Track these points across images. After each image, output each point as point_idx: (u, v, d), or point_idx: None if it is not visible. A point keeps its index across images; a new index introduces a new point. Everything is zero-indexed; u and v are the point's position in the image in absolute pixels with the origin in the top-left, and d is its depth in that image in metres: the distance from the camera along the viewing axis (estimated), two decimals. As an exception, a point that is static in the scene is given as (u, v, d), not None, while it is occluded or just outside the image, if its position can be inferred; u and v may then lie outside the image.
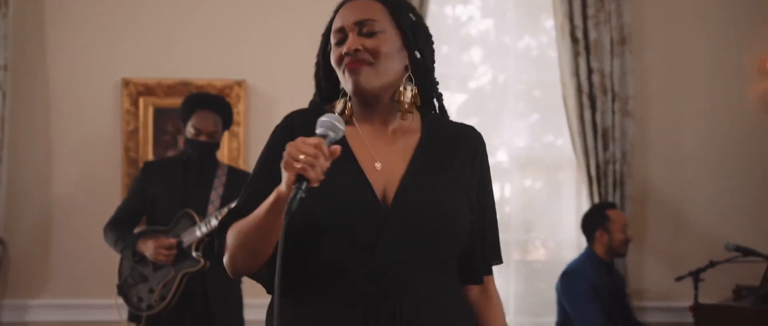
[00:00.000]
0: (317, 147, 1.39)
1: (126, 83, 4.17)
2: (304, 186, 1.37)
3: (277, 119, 1.67)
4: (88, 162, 4.17)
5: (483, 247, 1.65)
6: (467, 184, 1.62)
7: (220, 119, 3.41)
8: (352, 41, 1.56)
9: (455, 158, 1.63)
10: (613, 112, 4.41)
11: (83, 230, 4.02)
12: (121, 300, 3.40)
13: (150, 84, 4.18)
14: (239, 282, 3.43)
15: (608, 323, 3.65)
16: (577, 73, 4.37)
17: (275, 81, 4.24)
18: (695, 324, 3.06)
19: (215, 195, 3.36)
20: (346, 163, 1.52)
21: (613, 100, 4.41)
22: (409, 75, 1.60)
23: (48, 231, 4.15)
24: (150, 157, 4.15)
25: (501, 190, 4.65)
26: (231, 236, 1.54)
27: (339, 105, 1.61)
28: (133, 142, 4.19)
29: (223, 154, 4.14)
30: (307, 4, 3.99)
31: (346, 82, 1.58)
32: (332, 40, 1.60)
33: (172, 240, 3.28)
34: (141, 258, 3.33)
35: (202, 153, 3.38)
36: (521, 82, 4.60)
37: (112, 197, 3.96)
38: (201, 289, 3.32)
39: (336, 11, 1.64)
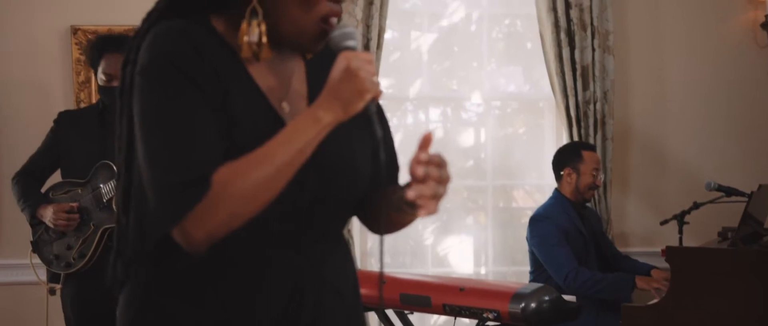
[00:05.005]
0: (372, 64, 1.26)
1: (74, 31, 3.94)
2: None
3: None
4: (38, 115, 3.95)
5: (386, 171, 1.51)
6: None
7: None
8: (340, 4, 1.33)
9: None
10: (593, 49, 4.18)
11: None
12: (37, 259, 3.19)
13: (100, 31, 3.93)
14: None
15: (581, 266, 3.45)
16: (554, 8, 4.13)
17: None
18: (669, 269, 2.86)
19: None
20: (258, 103, 1.31)
21: (593, 36, 4.18)
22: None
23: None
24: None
25: (477, 135, 4.45)
26: (227, 186, 1.22)
27: (253, 28, 1.29)
28: (84, 93, 3.98)
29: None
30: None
31: (309, 29, 1.30)
32: None
33: (73, 204, 3.07)
34: (38, 222, 3.13)
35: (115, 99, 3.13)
36: (496, 18, 4.37)
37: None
38: None
39: None
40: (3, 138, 3.96)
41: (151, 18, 1.35)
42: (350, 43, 1.27)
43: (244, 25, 1.29)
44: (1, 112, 3.96)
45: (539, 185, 4.46)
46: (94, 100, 3.94)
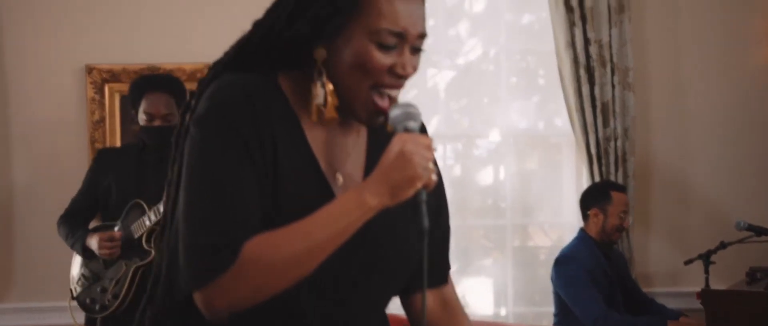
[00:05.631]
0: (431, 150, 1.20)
1: (89, 70, 3.91)
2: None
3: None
4: (52, 154, 3.92)
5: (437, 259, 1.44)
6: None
7: (172, 99, 3.13)
8: (411, 62, 1.26)
9: None
10: (613, 85, 4.13)
11: (48, 225, 3.75)
12: (76, 304, 3.17)
13: (115, 70, 3.92)
14: None
15: (609, 308, 3.36)
16: (573, 44, 4.09)
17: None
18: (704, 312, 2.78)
19: None
20: (310, 171, 1.26)
21: (613, 72, 4.13)
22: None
23: (9, 228, 3.90)
24: (118, 147, 3.89)
25: (495, 173, 4.39)
26: (257, 258, 1.17)
27: (318, 90, 1.24)
28: (99, 132, 3.93)
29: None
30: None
31: (363, 97, 1.25)
32: (378, 38, 1.22)
33: (114, 233, 3.05)
34: (91, 254, 3.11)
35: (159, 139, 3.09)
36: (514, 55, 4.33)
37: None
38: None
39: None
40: (17, 176, 3.92)
41: (217, 68, 1.31)
42: (411, 124, 1.21)
43: (313, 89, 1.25)
44: (16, 150, 3.92)
45: (557, 223, 4.39)
46: (108, 140, 3.91)
